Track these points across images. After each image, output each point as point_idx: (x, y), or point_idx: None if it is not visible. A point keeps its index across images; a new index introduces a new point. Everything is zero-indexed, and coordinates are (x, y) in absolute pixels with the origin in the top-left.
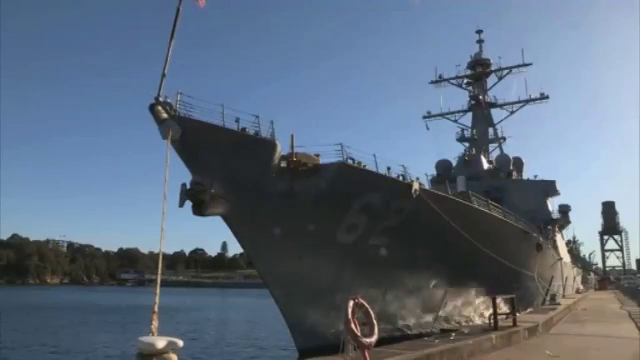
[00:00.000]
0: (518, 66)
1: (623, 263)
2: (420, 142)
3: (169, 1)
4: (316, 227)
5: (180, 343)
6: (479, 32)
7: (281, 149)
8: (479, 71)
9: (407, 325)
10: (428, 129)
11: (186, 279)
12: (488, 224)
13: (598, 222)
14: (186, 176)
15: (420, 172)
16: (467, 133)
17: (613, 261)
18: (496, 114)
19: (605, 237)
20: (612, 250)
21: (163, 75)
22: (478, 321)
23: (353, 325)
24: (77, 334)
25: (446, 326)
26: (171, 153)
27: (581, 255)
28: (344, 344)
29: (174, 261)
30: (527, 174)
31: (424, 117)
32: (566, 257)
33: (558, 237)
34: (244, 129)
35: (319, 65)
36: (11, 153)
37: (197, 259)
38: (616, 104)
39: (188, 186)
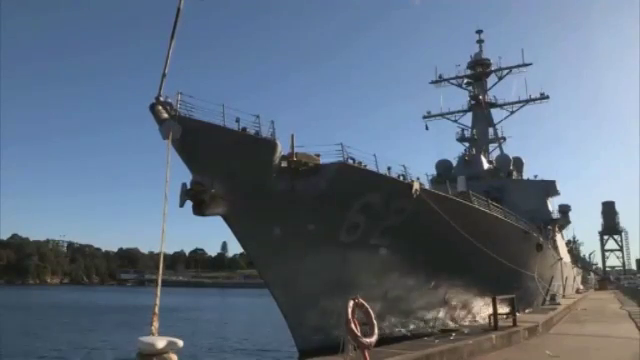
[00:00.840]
0: (518, 66)
1: (623, 263)
2: (420, 142)
3: (169, 1)
4: (316, 227)
5: (180, 343)
6: (479, 32)
7: (281, 149)
8: (479, 71)
9: (407, 325)
10: (427, 129)
11: (186, 279)
12: (488, 224)
13: (598, 222)
14: (186, 176)
15: (420, 172)
16: (467, 133)
17: (613, 261)
18: (496, 114)
19: (605, 237)
20: (612, 250)
21: (164, 75)
22: (478, 321)
23: (353, 325)
24: (77, 334)
25: (446, 326)
26: (171, 153)
27: (581, 255)
28: (344, 344)
29: (174, 261)
30: (527, 174)
31: (424, 117)
32: (566, 257)
33: (558, 237)
34: (244, 129)
35: (319, 65)
36: (11, 153)
37: (197, 259)
38: (616, 104)
39: (188, 186)
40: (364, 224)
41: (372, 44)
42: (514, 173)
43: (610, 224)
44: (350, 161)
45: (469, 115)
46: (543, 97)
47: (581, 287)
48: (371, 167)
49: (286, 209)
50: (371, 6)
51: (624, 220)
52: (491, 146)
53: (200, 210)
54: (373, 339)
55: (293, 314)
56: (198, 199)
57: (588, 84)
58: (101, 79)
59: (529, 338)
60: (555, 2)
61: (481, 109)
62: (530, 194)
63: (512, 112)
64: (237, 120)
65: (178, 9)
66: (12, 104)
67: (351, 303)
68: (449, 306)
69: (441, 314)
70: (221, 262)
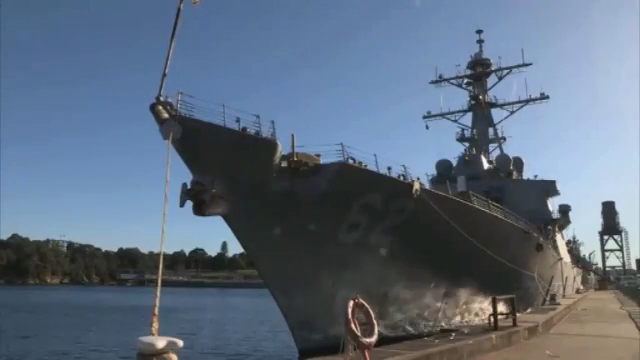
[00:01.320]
0: (518, 66)
1: (623, 263)
2: (420, 142)
3: (169, 1)
4: (317, 227)
5: (180, 343)
6: (479, 32)
7: (282, 149)
8: (479, 71)
9: (407, 325)
10: (427, 128)
11: (186, 279)
12: (488, 224)
13: (598, 222)
14: (187, 176)
15: (420, 172)
16: (467, 133)
17: (613, 261)
18: (496, 114)
19: (605, 237)
20: (612, 250)
21: (164, 75)
22: (478, 321)
23: (353, 325)
24: (77, 334)
25: (446, 326)
26: (172, 153)
27: (581, 255)
28: (344, 344)
29: (174, 261)
30: (527, 174)
31: (424, 117)
32: (566, 257)
33: (558, 237)
34: (245, 129)
35: (319, 65)
36: (11, 153)
37: (197, 259)
38: (616, 104)
39: (189, 186)
40: (364, 224)
41: (372, 44)
42: (514, 173)
43: (610, 224)
44: (350, 161)
45: (469, 115)
46: (543, 97)
47: (581, 287)
48: (371, 167)
49: (286, 209)
50: (371, 6)
51: (624, 220)
52: (491, 146)
53: (200, 210)
54: (373, 339)
55: (293, 314)
56: (198, 199)
57: (588, 84)
58: (101, 79)
59: (529, 338)
60: (555, 2)
61: (481, 109)
62: (530, 194)
63: (512, 112)
64: (237, 120)
65: (178, 9)
66: (12, 104)
67: (351, 303)
68: (449, 306)
69: (441, 314)
70: (221, 262)
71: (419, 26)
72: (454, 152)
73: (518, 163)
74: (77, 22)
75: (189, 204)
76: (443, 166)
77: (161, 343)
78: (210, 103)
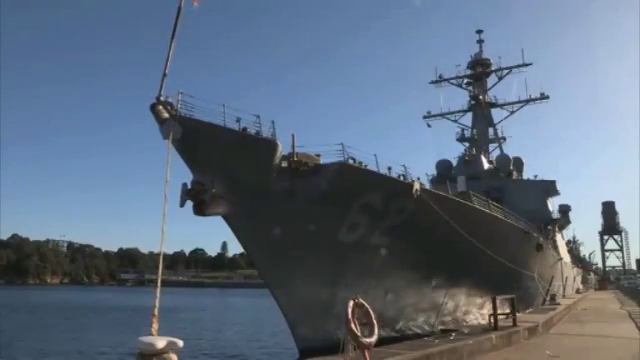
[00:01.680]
0: (518, 66)
1: (623, 263)
2: (420, 142)
3: (170, 1)
4: (316, 227)
5: (180, 343)
6: (479, 32)
7: (282, 149)
8: (479, 71)
9: (407, 325)
10: (430, 126)
11: (186, 279)
12: (488, 224)
13: (598, 222)
14: (187, 175)
15: (420, 172)
16: (467, 133)
17: (613, 261)
18: (496, 114)
19: (605, 237)
20: (612, 250)
21: (164, 74)
22: (478, 321)
23: (353, 325)
24: (77, 334)
25: (446, 326)
26: (172, 153)
27: (581, 255)
28: (344, 344)
29: (174, 261)
30: (527, 174)
31: (424, 117)
32: (566, 257)
33: (558, 237)
34: (245, 129)
35: (319, 65)
36: (11, 153)
37: (197, 259)
38: (616, 104)
39: (189, 186)
40: (364, 224)
41: (372, 43)
42: (514, 173)
43: (610, 224)
44: (350, 161)
45: (469, 115)
46: (543, 97)
47: (581, 287)
48: (371, 167)
49: (286, 209)
50: (371, 6)
51: (624, 220)
52: (491, 146)
53: (200, 210)
54: (373, 339)
55: (293, 314)
56: (198, 199)
57: (588, 84)
58: (101, 78)
59: (529, 338)
60: (555, 2)
61: (481, 109)
62: (530, 194)
63: (512, 112)
64: (238, 120)
65: (179, 9)
66: (12, 104)
67: (351, 303)
68: (449, 306)
69: (441, 314)
70: (221, 262)
71: (419, 26)
72: (454, 152)
73: (518, 163)
74: (77, 21)
75: (189, 204)
76: (443, 166)
77: (161, 343)
78: (210, 103)
